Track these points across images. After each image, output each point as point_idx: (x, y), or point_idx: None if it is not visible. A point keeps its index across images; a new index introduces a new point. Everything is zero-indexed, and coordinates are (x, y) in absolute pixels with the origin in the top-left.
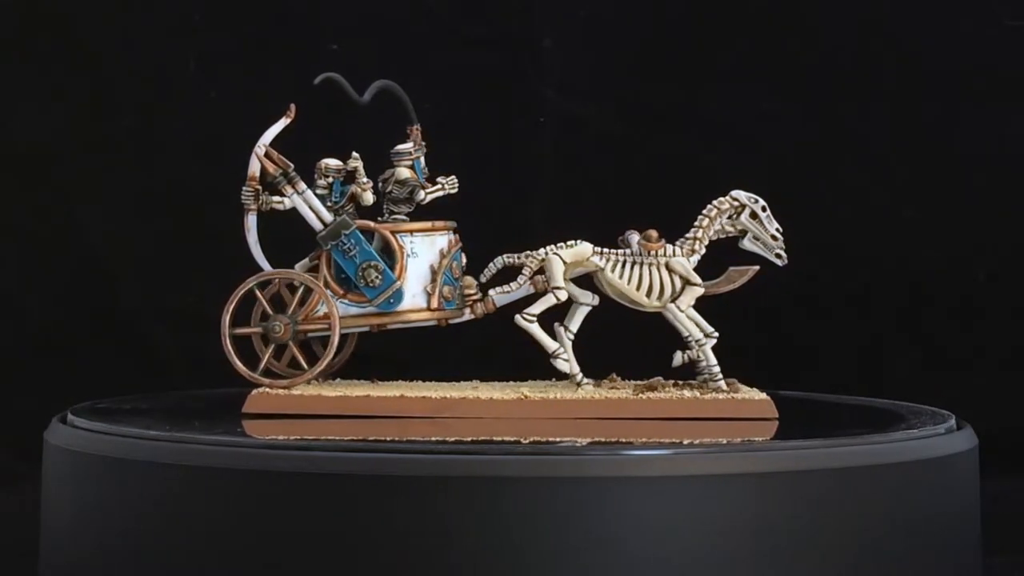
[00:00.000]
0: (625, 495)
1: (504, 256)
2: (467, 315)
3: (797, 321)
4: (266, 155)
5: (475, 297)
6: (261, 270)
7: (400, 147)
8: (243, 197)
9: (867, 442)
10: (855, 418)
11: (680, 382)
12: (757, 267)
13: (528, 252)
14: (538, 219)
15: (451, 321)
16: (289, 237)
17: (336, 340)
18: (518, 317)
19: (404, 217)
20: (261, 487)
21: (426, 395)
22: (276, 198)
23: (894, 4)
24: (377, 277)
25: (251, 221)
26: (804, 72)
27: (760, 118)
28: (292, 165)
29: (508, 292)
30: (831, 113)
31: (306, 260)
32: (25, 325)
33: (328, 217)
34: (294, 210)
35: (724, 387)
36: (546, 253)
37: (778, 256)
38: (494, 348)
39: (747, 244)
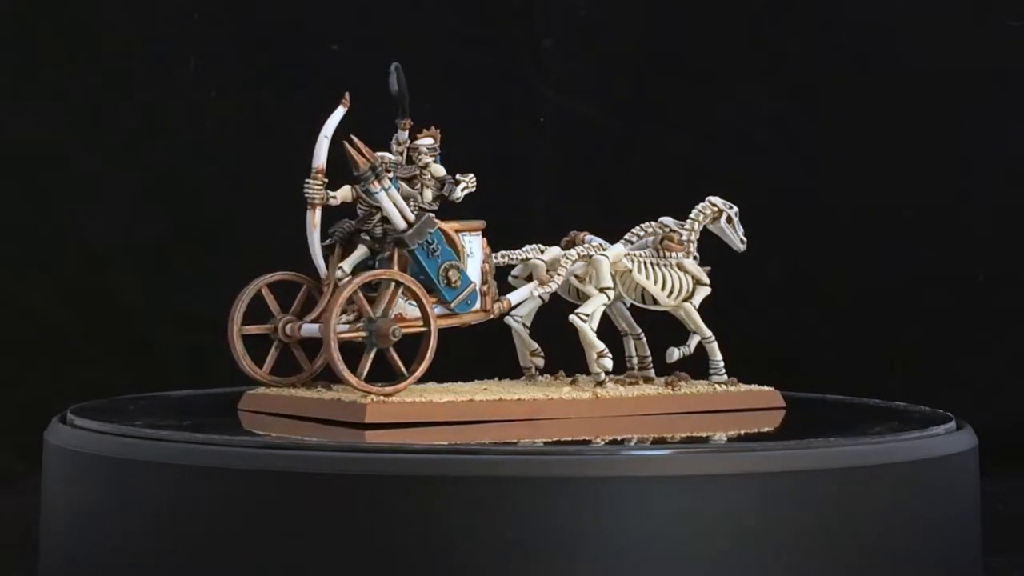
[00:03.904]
0: (625, 495)
1: None
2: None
3: (796, 321)
4: (354, 147)
5: (495, 297)
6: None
7: (422, 142)
8: (309, 191)
9: (867, 442)
10: (855, 418)
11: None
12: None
13: (504, 252)
14: (538, 219)
15: (473, 322)
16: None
17: (434, 343)
18: (572, 316)
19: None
20: (261, 487)
21: (521, 397)
22: (331, 192)
23: (894, 4)
24: (458, 278)
25: (316, 217)
26: (804, 72)
27: (760, 118)
28: (379, 159)
29: (549, 291)
30: (831, 113)
31: (353, 257)
32: (25, 325)
33: (411, 215)
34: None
35: (727, 380)
36: (577, 254)
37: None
38: (476, 348)
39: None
